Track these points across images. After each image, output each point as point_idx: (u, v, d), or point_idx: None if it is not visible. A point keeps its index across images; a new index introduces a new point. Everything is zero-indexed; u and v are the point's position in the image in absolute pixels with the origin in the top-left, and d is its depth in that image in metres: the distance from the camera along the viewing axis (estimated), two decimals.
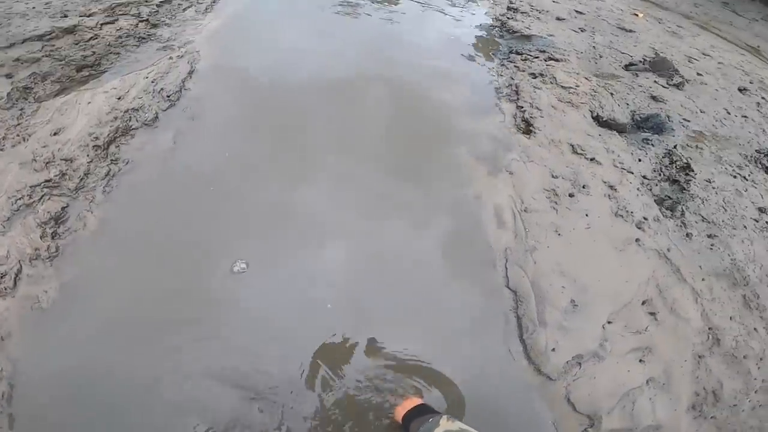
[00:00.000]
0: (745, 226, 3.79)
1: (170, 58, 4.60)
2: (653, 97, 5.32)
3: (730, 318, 3.14)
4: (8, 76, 3.84)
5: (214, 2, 5.96)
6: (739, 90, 6.12)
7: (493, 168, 3.94)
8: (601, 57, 6.14)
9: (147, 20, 5.19)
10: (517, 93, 5.02)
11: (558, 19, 7.24)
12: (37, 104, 3.71)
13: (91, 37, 4.60)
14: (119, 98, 3.92)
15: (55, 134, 3.48)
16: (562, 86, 5.17)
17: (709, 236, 3.62)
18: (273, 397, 2.38)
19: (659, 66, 6.03)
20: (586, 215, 3.60)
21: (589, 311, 2.98)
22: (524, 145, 4.24)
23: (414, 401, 2.34)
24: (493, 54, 5.94)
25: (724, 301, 3.23)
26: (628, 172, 4.09)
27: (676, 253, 3.45)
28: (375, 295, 2.94)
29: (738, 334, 3.05)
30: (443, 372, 2.59)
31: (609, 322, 2.95)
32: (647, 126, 4.82)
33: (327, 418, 2.35)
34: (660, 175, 4.18)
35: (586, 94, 5.09)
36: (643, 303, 3.10)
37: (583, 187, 3.83)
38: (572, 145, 4.28)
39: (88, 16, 4.89)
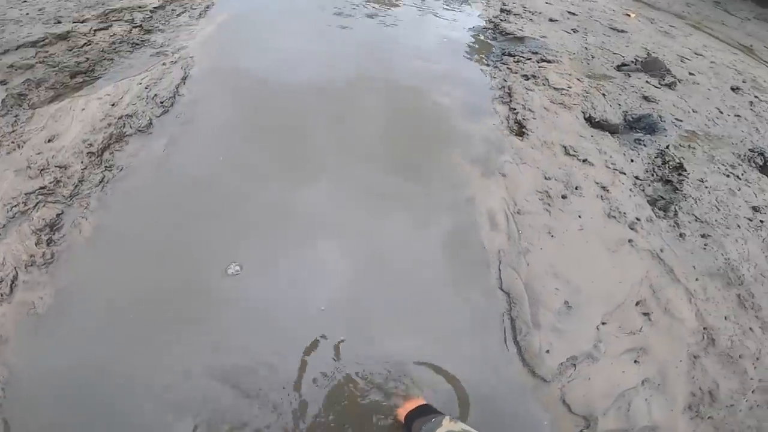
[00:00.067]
0: (738, 225, 3.80)
1: (164, 63, 4.61)
2: (645, 98, 5.35)
3: (725, 318, 3.14)
4: (3, 82, 3.85)
5: (207, 8, 5.99)
6: (732, 89, 6.16)
7: (486, 170, 3.96)
8: (593, 58, 6.17)
9: (140, 26, 5.20)
10: (509, 95, 5.04)
11: (551, 20, 7.28)
12: (31, 111, 3.72)
13: (85, 43, 4.61)
14: (113, 105, 3.92)
15: (49, 141, 3.48)
16: (554, 88, 5.19)
17: (703, 236, 3.64)
18: (273, 398, 2.38)
19: (651, 66, 6.07)
20: (579, 216, 3.61)
21: (583, 312, 2.99)
22: (517, 147, 4.25)
23: (417, 401, 2.35)
24: (486, 56, 5.97)
25: (718, 300, 3.24)
26: (620, 172, 4.10)
27: (670, 253, 3.46)
28: (369, 297, 2.94)
29: (733, 334, 3.05)
30: (437, 375, 2.59)
31: (603, 323, 2.95)
32: (639, 126, 4.84)
33: (328, 417, 2.37)
34: (653, 175, 4.19)
35: (578, 95, 5.11)
36: (637, 304, 3.11)
37: (576, 188, 3.85)
38: (565, 147, 4.30)
39: (82, 22, 4.90)
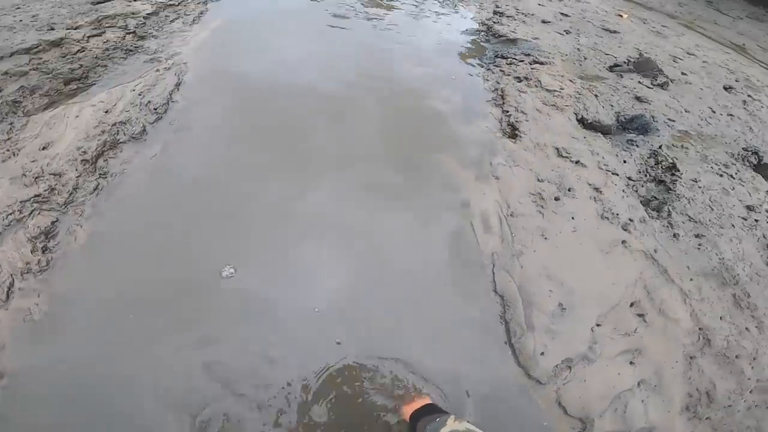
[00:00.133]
0: (733, 225, 3.81)
1: (157, 70, 4.61)
2: (638, 98, 5.37)
3: (721, 318, 3.15)
4: None
5: (201, 14, 5.99)
6: (725, 88, 6.18)
7: (480, 173, 3.97)
8: (585, 59, 6.19)
9: (134, 32, 5.20)
10: (502, 97, 5.06)
11: (543, 22, 7.31)
12: (26, 118, 3.72)
13: (78, 50, 4.61)
14: (106, 111, 3.92)
15: (43, 149, 3.48)
16: (546, 89, 5.21)
17: (697, 236, 3.65)
18: (273, 399, 2.40)
19: (643, 66, 6.09)
20: (572, 218, 3.63)
21: (578, 314, 2.99)
22: (510, 150, 4.26)
23: (422, 400, 2.37)
24: (479, 58, 5.99)
25: (713, 300, 3.24)
26: (613, 173, 4.12)
27: (663, 253, 3.47)
28: (363, 300, 2.95)
29: (729, 334, 3.05)
30: (431, 377, 2.60)
31: (598, 325, 2.96)
32: (632, 127, 4.86)
33: (329, 417, 2.38)
34: (645, 175, 4.21)
35: (570, 97, 5.13)
36: (632, 305, 3.12)
37: (569, 190, 3.86)
38: (557, 149, 4.32)
39: (75, 29, 4.90)
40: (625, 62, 6.23)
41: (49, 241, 2.95)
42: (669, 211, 3.79)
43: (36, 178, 3.24)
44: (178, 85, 4.47)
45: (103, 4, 5.63)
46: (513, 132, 4.54)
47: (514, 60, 5.87)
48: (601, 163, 4.21)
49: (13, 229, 2.92)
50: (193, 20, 5.77)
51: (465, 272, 3.21)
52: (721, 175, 4.33)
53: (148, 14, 5.62)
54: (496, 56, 6.01)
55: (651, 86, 5.75)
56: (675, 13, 9.53)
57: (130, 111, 3.99)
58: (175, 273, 2.92)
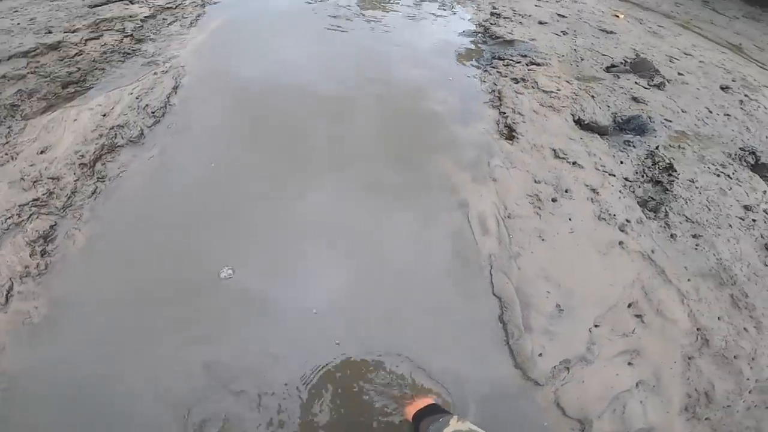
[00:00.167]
0: (730, 225, 3.81)
1: (155, 73, 4.62)
2: (634, 99, 5.37)
3: (718, 318, 3.14)
4: None
5: (198, 17, 5.99)
6: (721, 88, 6.18)
7: (477, 175, 3.97)
8: (582, 60, 6.20)
9: (132, 35, 5.20)
10: (499, 99, 5.06)
11: (540, 23, 7.31)
12: (24, 122, 3.73)
13: (76, 53, 4.61)
14: (104, 115, 3.93)
15: (42, 153, 3.50)
16: (543, 90, 5.21)
17: (694, 236, 3.65)
18: (271, 400, 2.42)
19: (640, 67, 6.09)
20: (570, 219, 3.63)
21: (575, 315, 3.00)
22: (507, 151, 4.27)
23: (425, 401, 2.38)
24: (476, 60, 5.99)
25: (711, 301, 3.24)
26: (610, 174, 4.12)
27: (661, 254, 3.47)
28: (361, 301, 2.96)
29: (727, 334, 3.05)
30: (429, 379, 2.61)
31: (596, 326, 2.97)
32: (629, 128, 4.87)
33: (331, 417, 2.40)
34: (642, 176, 4.21)
35: (567, 98, 5.13)
36: (629, 305, 3.12)
37: (566, 191, 3.86)
38: (554, 150, 4.32)
39: (73, 32, 4.90)
40: (621, 63, 6.23)
41: (47, 245, 2.97)
42: (666, 212, 3.79)
43: (34, 182, 3.25)
44: (175, 88, 4.48)
45: (100, 8, 5.63)
46: (510, 133, 4.54)
47: (511, 61, 5.87)
48: (598, 164, 4.21)
49: (12, 233, 2.94)
50: (191, 23, 5.77)
51: (462, 274, 3.21)
52: (719, 175, 4.33)
53: (145, 17, 5.63)
54: (493, 58, 6.01)
55: (648, 87, 5.75)
56: (671, 13, 9.53)
57: (128, 114, 3.99)
58: (173, 275, 2.93)
